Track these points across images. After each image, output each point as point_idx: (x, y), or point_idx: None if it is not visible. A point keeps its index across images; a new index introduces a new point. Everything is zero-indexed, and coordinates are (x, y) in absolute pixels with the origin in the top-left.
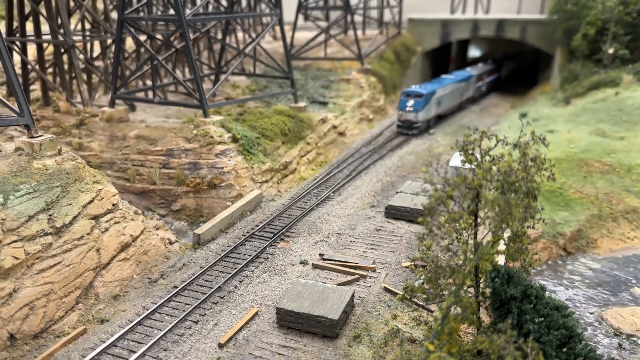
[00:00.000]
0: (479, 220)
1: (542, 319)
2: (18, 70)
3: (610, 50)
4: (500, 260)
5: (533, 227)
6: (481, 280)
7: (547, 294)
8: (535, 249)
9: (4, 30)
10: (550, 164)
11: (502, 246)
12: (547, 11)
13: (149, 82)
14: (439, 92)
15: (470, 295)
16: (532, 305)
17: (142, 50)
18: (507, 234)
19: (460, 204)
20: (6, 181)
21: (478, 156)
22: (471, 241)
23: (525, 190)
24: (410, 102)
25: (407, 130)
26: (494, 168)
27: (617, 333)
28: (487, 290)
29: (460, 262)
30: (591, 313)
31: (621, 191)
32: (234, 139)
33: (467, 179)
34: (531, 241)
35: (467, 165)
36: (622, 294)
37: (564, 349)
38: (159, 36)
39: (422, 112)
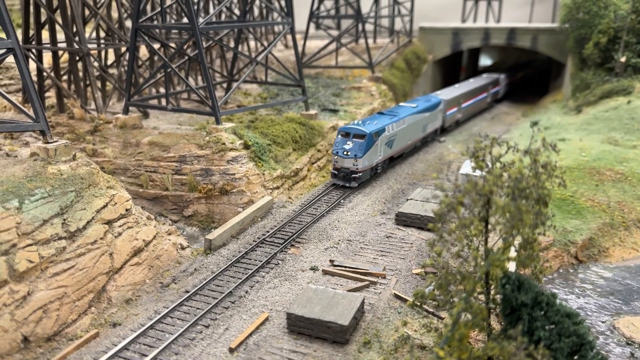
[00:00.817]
0: (489, 226)
1: (553, 326)
2: (34, 78)
3: (623, 59)
4: (511, 267)
5: (544, 234)
6: (492, 287)
7: (558, 301)
8: (547, 257)
9: (20, 38)
10: (561, 171)
11: (512, 253)
12: (558, 20)
13: (162, 90)
14: (390, 128)
15: (480, 301)
16: (543, 312)
17: (156, 58)
18: (517, 240)
19: (470, 210)
20: (22, 186)
21: (489, 163)
22: (482, 248)
23: (536, 197)
24: (348, 145)
25: (344, 181)
26: (505, 174)
27: (630, 342)
28: (498, 297)
29: (471, 268)
30: (603, 322)
31: (633, 200)
32: (246, 146)
33: (477, 185)
34: (542, 249)
35: (478, 172)
36: (634, 302)
37: (575, 357)
38: (172, 44)
39: (363, 158)
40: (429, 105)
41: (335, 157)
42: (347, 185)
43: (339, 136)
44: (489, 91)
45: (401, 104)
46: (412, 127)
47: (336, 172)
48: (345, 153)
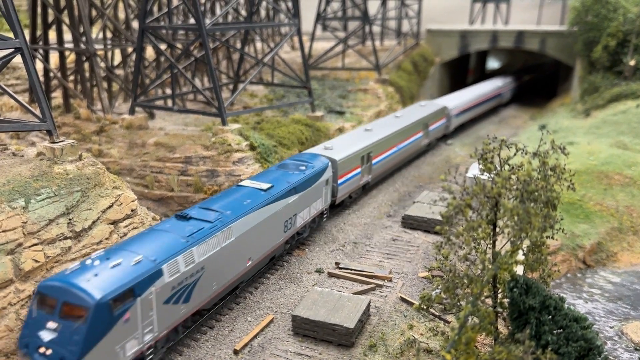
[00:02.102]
0: (497, 229)
1: (561, 330)
2: (41, 78)
3: (632, 62)
4: (519, 270)
5: (552, 237)
6: (499, 291)
7: (565, 305)
8: (555, 261)
9: (28, 38)
10: (570, 174)
11: (520, 256)
12: (567, 23)
13: (168, 91)
14: (182, 262)
15: (488, 305)
16: (550, 316)
17: (162, 59)
18: (525, 243)
19: (478, 213)
20: (28, 185)
21: (497, 165)
22: (489, 251)
23: (544, 200)
24: (49, 331)
25: None
26: (513, 177)
27: (638, 347)
28: (505, 301)
29: (478, 271)
30: (611, 327)
31: None
32: (252, 147)
33: (485, 188)
34: (550, 253)
35: (486, 175)
36: None
37: None
38: (179, 45)
39: None
40: (303, 178)
41: (23, 355)
42: None
43: (36, 304)
44: (427, 129)
45: (243, 182)
46: (254, 234)
47: None
48: (41, 351)
